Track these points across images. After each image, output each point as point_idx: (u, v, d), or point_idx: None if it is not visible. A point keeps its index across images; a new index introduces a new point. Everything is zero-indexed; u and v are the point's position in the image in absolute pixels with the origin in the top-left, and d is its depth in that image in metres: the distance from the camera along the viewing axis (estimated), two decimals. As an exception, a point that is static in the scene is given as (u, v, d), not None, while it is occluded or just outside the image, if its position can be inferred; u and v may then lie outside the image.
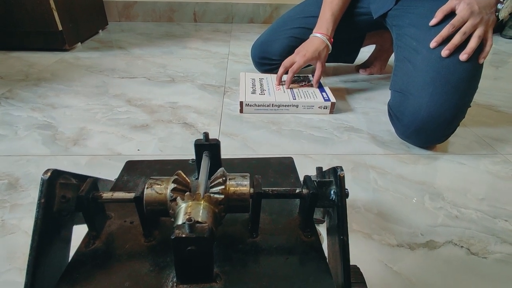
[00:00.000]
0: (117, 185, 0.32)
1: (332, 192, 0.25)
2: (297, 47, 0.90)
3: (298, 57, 0.87)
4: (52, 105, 0.87)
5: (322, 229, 0.33)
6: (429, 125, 0.63)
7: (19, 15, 1.17)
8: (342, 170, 0.24)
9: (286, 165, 0.36)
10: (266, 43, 1.01)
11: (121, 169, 0.35)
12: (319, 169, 0.26)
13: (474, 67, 0.64)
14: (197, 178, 0.33)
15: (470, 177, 0.64)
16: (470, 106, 0.66)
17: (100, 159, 0.66)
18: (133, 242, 0.25)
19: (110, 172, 0.61)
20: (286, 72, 0.92)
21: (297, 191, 0.25)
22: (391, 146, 0.73)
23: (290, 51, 0.93)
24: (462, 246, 0.49)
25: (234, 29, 1.74)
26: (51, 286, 0.22)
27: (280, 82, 0.94)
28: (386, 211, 0.55)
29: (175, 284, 0.22)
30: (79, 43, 1.38)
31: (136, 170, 0.35)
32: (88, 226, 0.25)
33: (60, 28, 1.22)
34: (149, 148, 0.70)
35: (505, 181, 0.63)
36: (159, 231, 0.26)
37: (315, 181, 0.25)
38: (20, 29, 1.21)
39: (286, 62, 0.90)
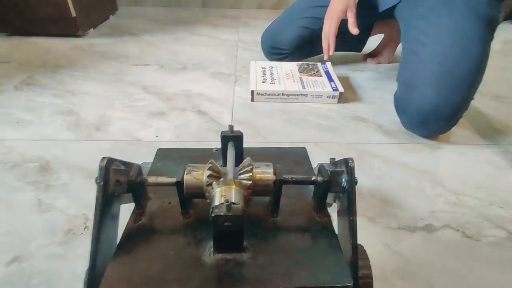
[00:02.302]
0: (152, 170, 0.36)
1: (343, 180, 0.29)
2: (307, 37, 0.92)
3: (329, 19, 0.87)
4: (72, 91, 0.91)
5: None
6: (433, 118, 0.67)
7: (35, 2, 1.20)
8: (352, 161, 0.28)
9: (300, 155, 0.40)
10: (277, 32, 1.03)
11: (141, 154, 0.39)
12: (332, 159, 0.30)
13: (480, 61, 0.67)
14: (222, 165, 0.37)
15: (471, 167, 0.68)
16: (473, 99, 0.69)
17: (122, 145, 0.70)
18: (173, 220, 0.30)
19: (132, 157, 0.66)
20: None
21: (313, 178, 0.29)
22: (396, 136, 0.77)
23: (300, 41, 0.95)
24: (458, 230, 0.53)
25: (243, 15, 1.75)
26: (110, 254, 0.27)
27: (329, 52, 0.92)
28: (389, 197, 0.59)
29: (212, 253, 0.26)
30: (91, 29, 1.40)
31: (167, 157, 0.39)
32: (136, 205, 0.30)
33: (74, 14, 1.24)
34: (167, 135, 0.74)
35: (503, 171, 0.67)
36: (194, 210, 0.31)
37: (329, 170, 0.29)
38: (35, 15, 1.23)
39: (325, 31, 0.90)
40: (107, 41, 1.29)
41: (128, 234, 0.28)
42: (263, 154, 0.40)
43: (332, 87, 0.90)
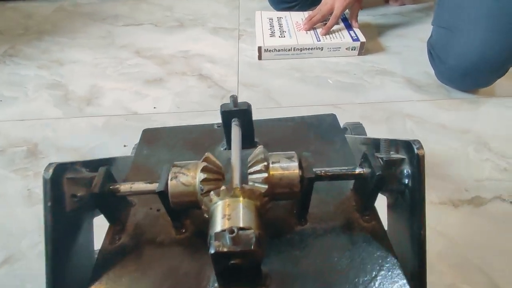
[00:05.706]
0: (137, 162, 0.28)
1: (405, 172, 0.20)
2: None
3: (338, 2, 0.75)
4: (58, 61, 0.81)
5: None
6: (480, 67, 0.55)
7: (6, -42, 1.06)
8: (420, 146, 0.19)
9: (328, 125, 0.31)
10: (284, -26, 0.88)
11: (138, 130, 0.31)
12: (385, 142, 0.21)
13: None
14: (226, 148, 0.29)
15: (520, 123, 0.58)
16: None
17: (117, 120, 0.62)
18: (163, 235, 0.22)
19: (129, 133, 0.58)
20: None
21: (357, 171, 0.21)
22: (429, 91, 0.66)
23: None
24: (511, 202, 0.45)
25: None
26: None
27: (311, 28, 0.80)
28: (426, 164, 0.51)
29: None
30: (76, -14, 1.25)
31: (156, 140, 0.31)
32: (109, 222, 0.22)
33: (53, -30, 1.10)
34: (166, 105, 0.65)
35: (561, 126, 0.57)
36: (190, 220, 0.23)
37: (380, 158, 0.20)
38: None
39: (324, 8, 0.77)
40: (94, 0, 1.15)
41: (102, 261, 0.21)
42: (279, 128, 0.31)
43: (352, 37, 0.77)
